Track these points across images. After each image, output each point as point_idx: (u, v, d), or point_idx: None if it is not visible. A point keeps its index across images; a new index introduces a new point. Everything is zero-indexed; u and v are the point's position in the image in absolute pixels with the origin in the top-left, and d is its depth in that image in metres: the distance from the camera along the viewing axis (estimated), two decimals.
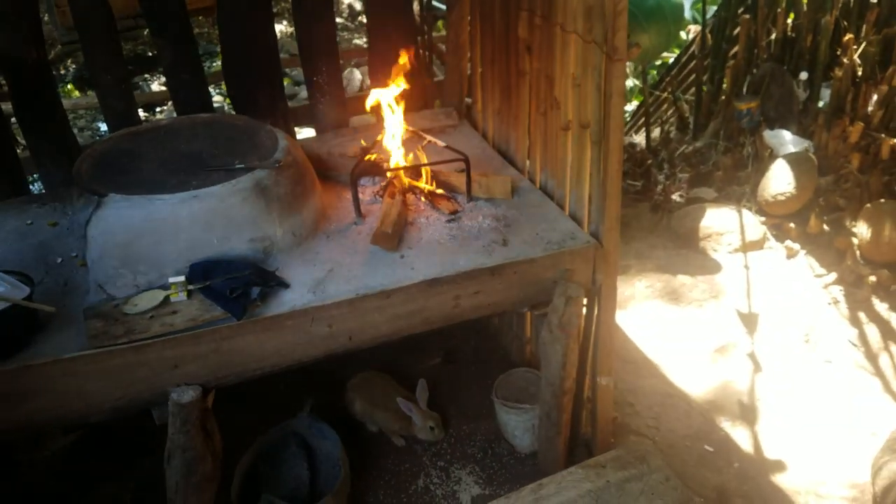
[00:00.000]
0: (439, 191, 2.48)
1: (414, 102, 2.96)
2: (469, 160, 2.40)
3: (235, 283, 2.00)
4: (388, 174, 2.48)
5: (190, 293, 2.01)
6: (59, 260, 2.21)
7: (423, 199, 2.45)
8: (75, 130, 3.46)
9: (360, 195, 2.40)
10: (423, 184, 2.47)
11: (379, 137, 2.56)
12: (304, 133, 4.59)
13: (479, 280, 2.16)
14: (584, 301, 2.42)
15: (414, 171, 2.49)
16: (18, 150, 2.76)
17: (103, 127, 6.58)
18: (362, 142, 2.70)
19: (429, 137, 2.56)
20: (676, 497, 1.87)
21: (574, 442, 2.64)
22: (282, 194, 2.19)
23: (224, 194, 2.09)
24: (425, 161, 2.52)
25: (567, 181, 2.41)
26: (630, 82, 7.20)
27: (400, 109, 2.50)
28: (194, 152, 2.29)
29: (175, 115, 2.88)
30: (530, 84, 2.51)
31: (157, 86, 7.40)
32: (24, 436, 2.63)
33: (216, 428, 2.09)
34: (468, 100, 3.10)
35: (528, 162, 2.66)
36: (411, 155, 2.55)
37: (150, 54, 7.75)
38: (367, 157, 2.48)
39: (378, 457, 2.73)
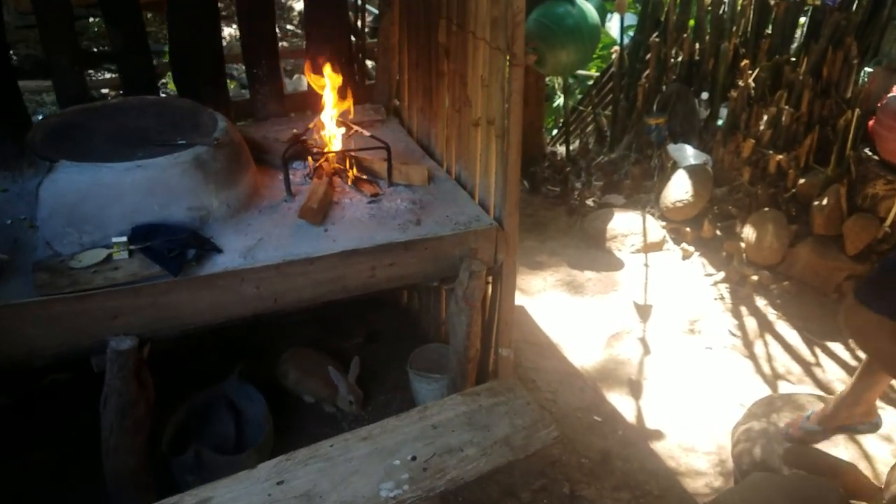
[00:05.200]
0: (363, 176, 2.76)
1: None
2: (390, 149, 2.69)
3: (173, 245, 2.23)
4: (317, 158, 2.74)
5: (131, 253, 2.22)
6: (9, 221, 2.39)
7: (348, 182, 2.72)
8: None
9: (291, 176, 2.66)
10: (349, 169, 2.75)
11: (311, 125, 2.83)
12: None
13: (394, 253, 2.44)
14: (490, 280, 2.73)
15: (341, 156, 2.76)
16: None
17: (40, 118, 6.59)
18: (294, 130, 2.96)
19: (355, 127, 2.84)
20: (533, 416, 2.26)
21: None
22: (219, 169, 2.43)
23: (166, 165, 2.32)
24: (352, 149, 2.80)
25: (477, 172, 2.72)
26: (559, 100, 7.63)
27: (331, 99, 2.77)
28: (141, 129, 2.50)
29: None
30: (448, 84, 2.81)
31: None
32: None
33: (150, 379, 2.28)
34: (396, 102, 3.40)
35: (444, 154, 2.96)
36: (341, 143, 2.82)
37: (94, 50, 7.80)
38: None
39: (300, 422, 2.96)
